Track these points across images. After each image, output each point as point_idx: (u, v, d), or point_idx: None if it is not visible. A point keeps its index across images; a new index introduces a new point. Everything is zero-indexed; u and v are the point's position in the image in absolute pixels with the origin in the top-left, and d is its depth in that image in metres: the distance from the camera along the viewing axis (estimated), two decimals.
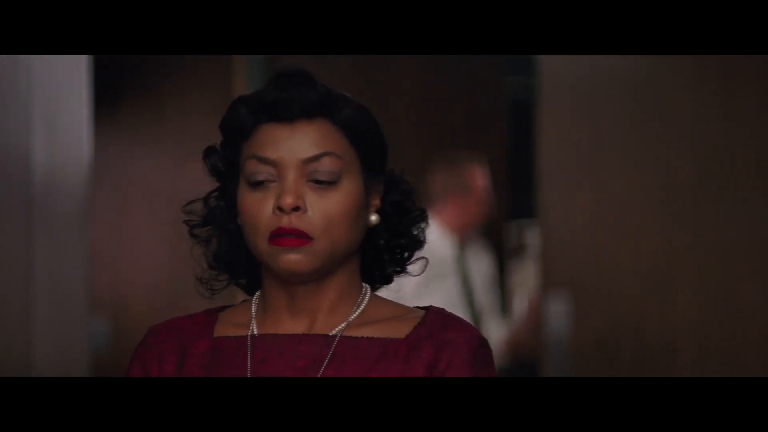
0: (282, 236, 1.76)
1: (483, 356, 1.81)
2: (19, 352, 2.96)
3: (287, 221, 1.76)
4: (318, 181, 1.78)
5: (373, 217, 1.84)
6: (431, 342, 1.80)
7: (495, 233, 5.18)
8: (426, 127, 5.21)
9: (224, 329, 1.85)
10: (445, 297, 4.58)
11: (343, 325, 1.81)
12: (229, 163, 1.86)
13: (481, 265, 4.77)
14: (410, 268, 1.89)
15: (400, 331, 1.81)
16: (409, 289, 4.61)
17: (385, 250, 1.86)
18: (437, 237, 4.63)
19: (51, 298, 3.17)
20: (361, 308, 1.84)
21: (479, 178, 4.69)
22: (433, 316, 1.83)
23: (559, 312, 3.95)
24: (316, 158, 1.78)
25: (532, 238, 5.75)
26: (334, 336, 1.80)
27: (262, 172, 1.79)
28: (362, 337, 1.80)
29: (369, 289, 1.87)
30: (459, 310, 4.60)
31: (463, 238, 4.70)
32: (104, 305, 5.15)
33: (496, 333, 4.65)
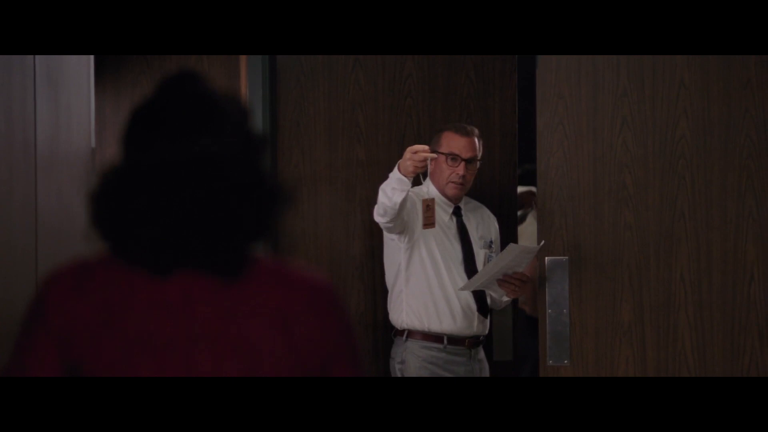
0: None
1: None
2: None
3: None
4: None
5: None
6: None
7: (506, 199, 5.18)
8: (436, 89, 5.21)
9: None
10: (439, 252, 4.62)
11: None
12: None
13: (485, 223, 4.79)
14: None
15: None
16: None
17: None
18: (436, 201, 4.66)
19: (57, 260, 3.19)
20: None
21: (454, 141, 4.64)
22: None
23: (558, 274, 3.97)
24: None
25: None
26: None
27: None
28: None
29: None
30: (458, 266, 4.65)
31: (455, 200, 4.70)
32: None
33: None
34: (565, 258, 3.98)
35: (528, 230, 5.93)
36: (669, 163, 3.94)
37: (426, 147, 4.35)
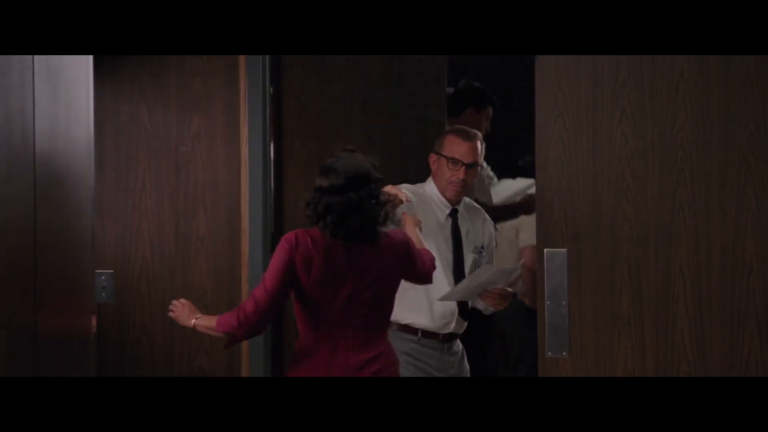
0: None
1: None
2: (25, 305, 2.99)
3: None
4: None
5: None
6: None
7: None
8: (413, 81, 5.33)
9: None
10: (435, 253, 4.67)
11: None
12: None
13: (477, 227, 4.86)
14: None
15: None
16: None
17: None
18: (435, 199, 4.76)
19: (57, 251, 3.19)
20: None
21: (456, 146, 4.73)
22: None
23: (557, 266, 3.98)
24: None
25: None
26: None
27: None
28: None
29: None
30: (447, 267, 4.70)
31: (453, 201, 4.78)
32: (108, 257, 5.19)
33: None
34: (563, 250, 3.99)
35: (527, 222, 5.95)
36: (668, 156, 3.95)
37: (402, 194, 4.39)
